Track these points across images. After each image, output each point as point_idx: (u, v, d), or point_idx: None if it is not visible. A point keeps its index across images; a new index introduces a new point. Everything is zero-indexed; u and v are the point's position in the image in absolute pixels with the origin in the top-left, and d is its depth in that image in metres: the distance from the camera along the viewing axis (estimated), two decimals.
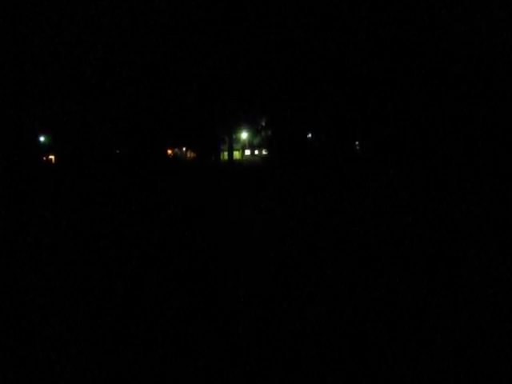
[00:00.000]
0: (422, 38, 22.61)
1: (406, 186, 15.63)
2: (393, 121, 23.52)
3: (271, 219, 10.60)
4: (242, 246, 8.06)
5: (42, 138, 27.13)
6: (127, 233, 9.44)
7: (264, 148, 35.20)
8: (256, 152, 43.94)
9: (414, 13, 22.55)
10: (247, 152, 44.03)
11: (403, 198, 13.01)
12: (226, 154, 32.41)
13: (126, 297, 5.85)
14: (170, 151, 32.95)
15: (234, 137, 33.46)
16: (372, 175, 18.65)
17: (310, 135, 27.55)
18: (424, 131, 23.05)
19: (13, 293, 6.04)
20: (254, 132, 35.04)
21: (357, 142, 27.45)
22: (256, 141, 39.27)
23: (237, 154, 39.29)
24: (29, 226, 10.09)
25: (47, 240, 8.74)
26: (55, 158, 27.54)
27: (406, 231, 9.06)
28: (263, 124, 30.62)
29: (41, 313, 5.37)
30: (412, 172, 19.05)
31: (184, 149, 36.28)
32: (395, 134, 24.02)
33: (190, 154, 36.64)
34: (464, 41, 22.36)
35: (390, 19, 22.37)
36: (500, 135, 20.98)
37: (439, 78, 22.39)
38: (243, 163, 32.46)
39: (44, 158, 27.77)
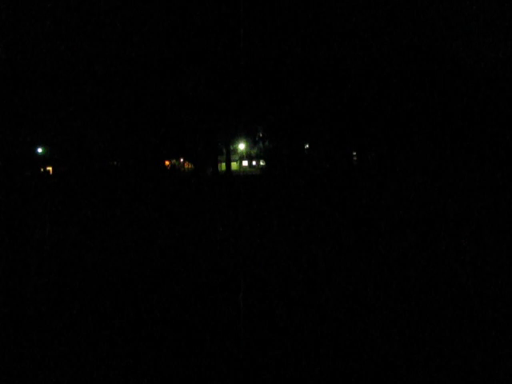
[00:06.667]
0: (424, 52, 22.80)
1: (403, 195, 15.64)
2: (390, 132, 23.63)
3: (266, 230, 10.59)
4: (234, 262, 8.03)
5: (39, 150, 27.18)
6: (124, 242, 9.43)
7: (261, 159, 35.28)
8: (254, 163, 44.06)
9: (414, 28, 22.78)
10: (245, 163, 44.10)
11: (400, 207, 13.02)
12: (223, 165, 32.46)
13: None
14: (167, 162, 33.02)
15: (231, 148, 33.55)
16: (369, 185, 18.67)
17: (307, 146, 27.65)
18: (421, 142, 23.14)
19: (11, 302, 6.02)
20: (252, 143, 35.16)
21: (354, 153, 27.56)
22: (254, 152, 39.40)
23: (234, 165, 39.36)
24: (27, 236, 10.06)
25: (45, 252, 8.71)
26: (52, 170, 27.58)
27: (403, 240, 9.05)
28: (261, 135, 30.70)
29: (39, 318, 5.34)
30: (410, 182, 19.08)
31: (181, 160, 36.36)
32: (392, 144, 24.12)
33: (187, 165, 36.71)
34: (465, 57, 22.59)
35: (389, 29, 22.57)
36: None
37: (437, 90, 22.52)
38: (240, 174, 32.47)
39: (42, 170, 27.81)
